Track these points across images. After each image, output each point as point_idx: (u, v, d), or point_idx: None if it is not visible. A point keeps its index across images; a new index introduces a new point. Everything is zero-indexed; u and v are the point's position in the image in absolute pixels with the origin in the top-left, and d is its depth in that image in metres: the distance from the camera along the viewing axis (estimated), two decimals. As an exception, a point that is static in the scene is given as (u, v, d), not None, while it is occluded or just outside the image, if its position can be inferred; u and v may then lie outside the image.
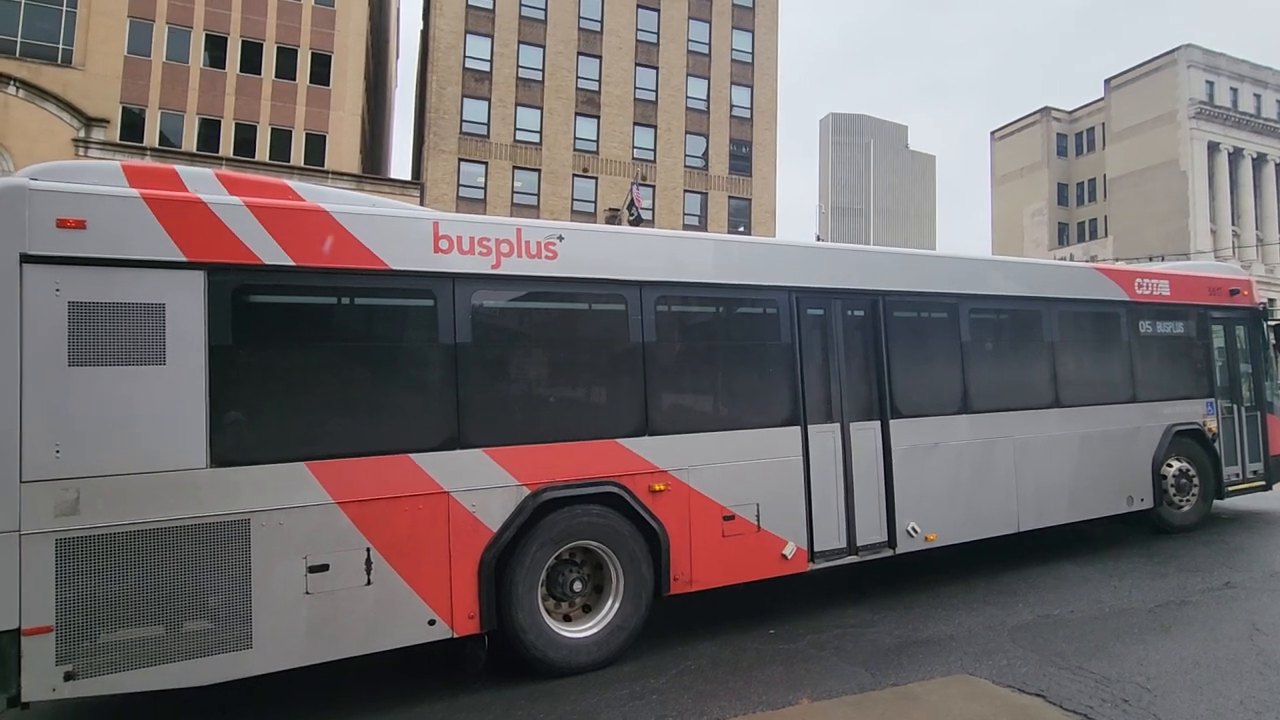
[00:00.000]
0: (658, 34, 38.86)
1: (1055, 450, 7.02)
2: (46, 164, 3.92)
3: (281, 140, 30.94)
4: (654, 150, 38.75)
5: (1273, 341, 9.03)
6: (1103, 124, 61.05)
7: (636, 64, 38.36)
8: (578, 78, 36.95)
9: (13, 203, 3.64)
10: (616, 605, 4.90)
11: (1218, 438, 8.38)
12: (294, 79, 31.36)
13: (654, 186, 38.39)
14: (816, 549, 5.66)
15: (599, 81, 37.38)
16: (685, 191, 39.28)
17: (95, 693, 3.58)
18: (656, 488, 5.04)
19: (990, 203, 71.07)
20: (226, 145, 30.15)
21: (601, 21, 37.71)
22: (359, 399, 4.36)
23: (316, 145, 31.29)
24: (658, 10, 38.97)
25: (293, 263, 4.18)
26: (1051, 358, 7.19)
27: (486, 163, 34.91)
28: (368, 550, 4.20)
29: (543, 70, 36.31)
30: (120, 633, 3.63)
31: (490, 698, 4.37)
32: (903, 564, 6.89)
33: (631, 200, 33.80)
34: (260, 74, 31.00)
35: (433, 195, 33.01)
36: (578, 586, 4.85)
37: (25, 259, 3.61)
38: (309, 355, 4.27)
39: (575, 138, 36.71)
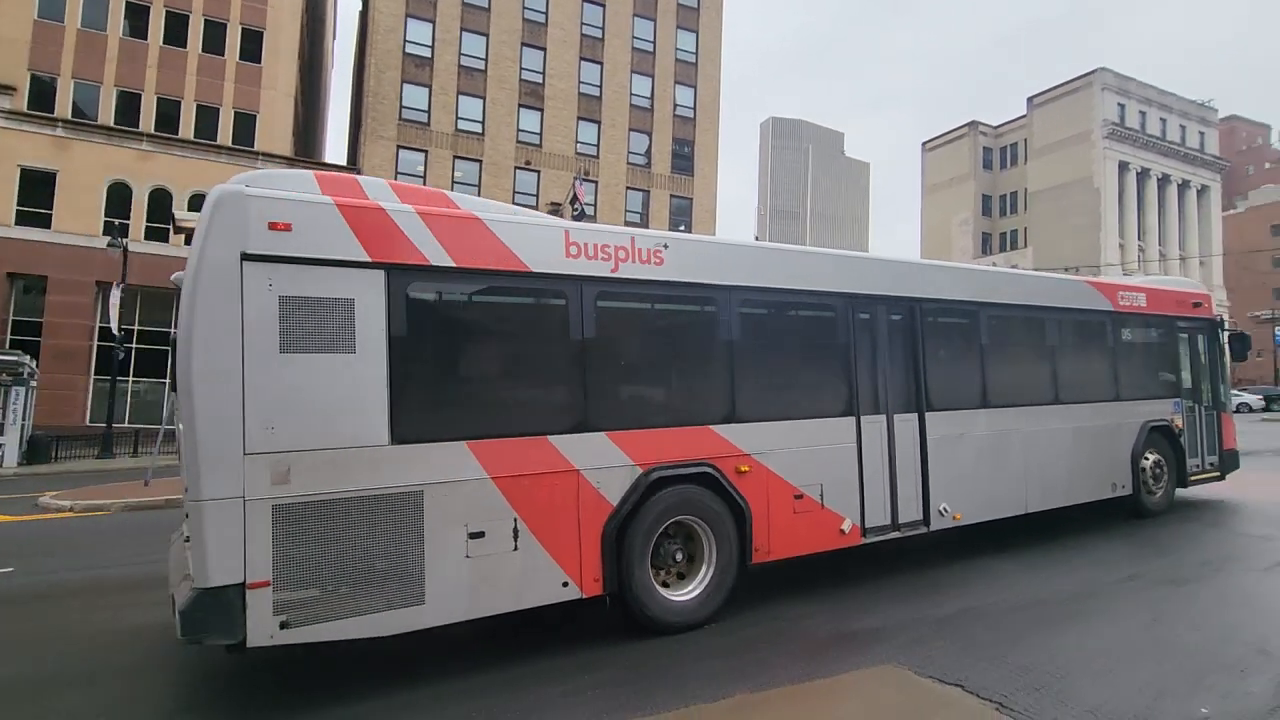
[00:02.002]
0: (603, 29, 38.64)
1: (1055, 442, 7.89)
2: (254, 173, 4.37)
3: (208, 117, 29.42)
4: (597, 146, 38.56)
5: (1227, 349, 10.18)
6: (1025, 140, 63.68)
7: (581, 58, 38.06)
8: (521, 69, 36.41)
9: (235, 208, 4.11)
10: (710, 573, 5.48)
11: (1183, 433, 9.46)
12: (222, 54, 29.85)
13: (597, 182, 38.22)
14: (867, 525, 6.34)
15: (543, 74, 36.93)
16: (628, 188, 39.25)
17: (302, 640, 4.03)
18: (742, 469, 5.68)
19: (920, 211, 73.45)
20: (147, 119, 28.49)
21: (546, 13, 37.25)
22: (507, 386, 4.94)
23: (246, 124, 29.88)
24: (603, 5, 38.72)
25: (454, 264, 4.72)
26: (1052, 360, 8.09)
27: (427, 151, 34.06)
28: (515, 520, 4.72)
29: (486, 59, 35.62)
30: (323, 588, 4.09)
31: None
32: (841, 559, 7.04)
33: (574, 195, 33.54)
34: (185, 47, 29.39)
35: (369, 182, 32.01)
36: (679, 556, 5.45)
37: (245, 257, 4.07)
38: (466, 347, 4.82)
39: (518, 129, 36.18)
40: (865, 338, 6.61)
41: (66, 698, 4.36)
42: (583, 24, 38.15)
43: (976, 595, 5.95)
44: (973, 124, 68.50)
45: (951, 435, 6.98)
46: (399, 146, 33.37)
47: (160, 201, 26.45)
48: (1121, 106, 58.36)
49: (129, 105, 28.51)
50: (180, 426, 3.95)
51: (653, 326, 5.63)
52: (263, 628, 3.95)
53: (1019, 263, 60.06)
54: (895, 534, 6.49)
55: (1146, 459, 9.01)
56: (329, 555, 4.13)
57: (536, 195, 36.79)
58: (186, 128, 28.93)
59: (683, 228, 40.76)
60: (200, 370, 3.92)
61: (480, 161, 35.37)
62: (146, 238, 25.85)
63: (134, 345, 25.32)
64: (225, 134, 29.43)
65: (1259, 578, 6.30)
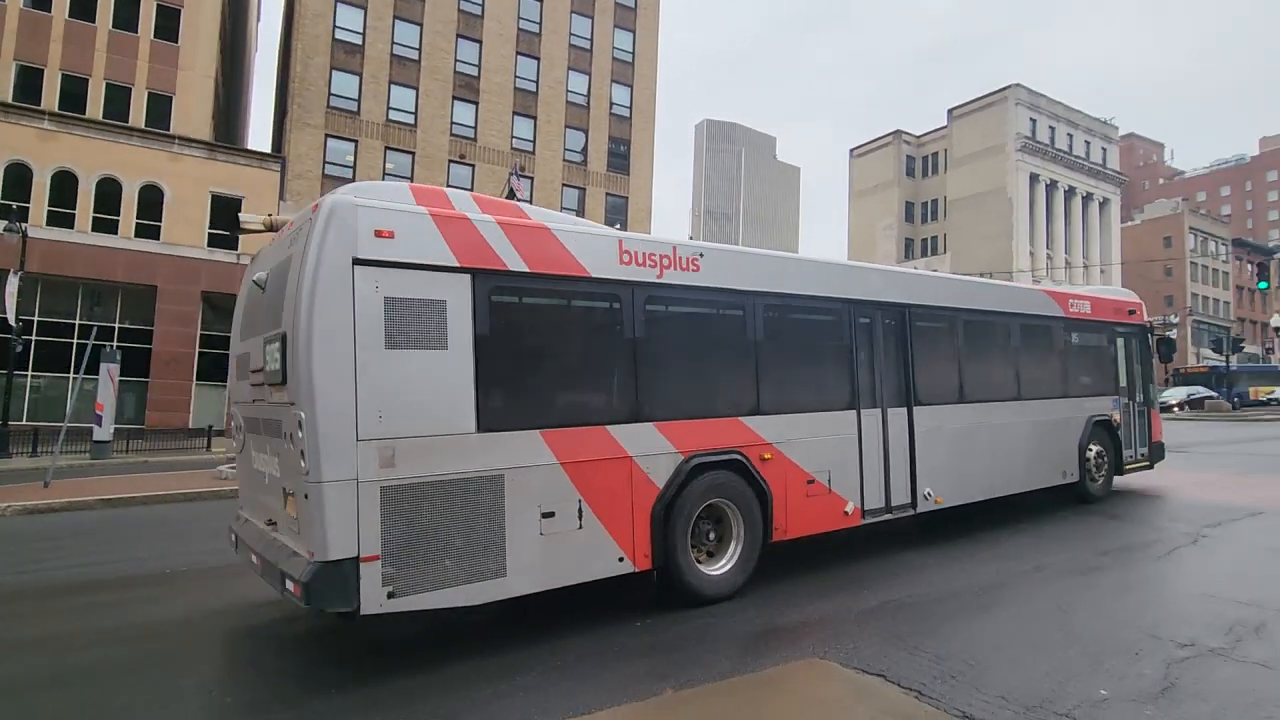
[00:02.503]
0: (540, 24, 38.27)
1: (1017, 434, 8.97)
2: (357, 184, 4.90)
3: (118, 97, 27.69)
4: (533, 141, 38.18)
5: (1155, 352, 11.70)
6: (945, 150, 66.21)
7: (518, 53, 37.59)
8: (456, 60, 35.68)
9: (348, 216, 4.58)
10: (739, 550, 6.17)
11: (1121, 427, 10.72)
12: (136, 31, 28.15)
13: (532, 178, 37.83)
14: (866, 507, 7.14)
15: (479, 67, 36.29)
16: (564, 185, 39.00)
17: (406, 609, 4.46)
18: (765, 456, 6.40)
19: (848, 215, 75.56)
20: (51, 97, 26.63)
21: (482, 5, 36.63)
22: (573, 381, 5.55)
23: (161, 106, 28.26)
24: (540, 1, 38.36)
25: (528, 269, 5.26)
26: (1016, 361, 9.19)
27: (357, 140, 32.99)
28: (579, 501, 5.28)
29: (419, 49, 34.76)
30: (423, 562, 4.56)
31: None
32: (771, 555, 7.29)
33: (511, 190, 33.09)
34: (94, 21, 27.58)
35: (296, 170, 30.80)
36: (712, 536, 6.14)
37: (356, 261, 4.54)
38: (538, 344, 5.36)
39: (452, 122, 35.45)
40: (865, 339, 7.46)
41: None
42: (520, 18, 37.69)
43: (898, 588, 6.16)
44: (897, 133, 70.91)
45: (934, 427, 7.88)
46: (327, 135, 32.22)
47: (65, 185, 24.74)
48: (1033, 121, 61.53)
49: (30, 81, 26.58)
50: (304, 415, 4.39)
51: (691, 328, 6.28)
52: (373, 597, 4.42)
53: (939, 267, 62.33)
54: (888, 515, 7.35)
55: (1091, 450, 10.17)
56: (428, 532, 4.62)
57: (470, 189, 36.16)
58: (95, 107, 27.19)
59: (619, 225, 40.76)
60: (320, 364, 4.38)
61: (413, 154, 34.52)
62: (49, 223, 24.24)
63: (34, 337, 23.73)
64: (138, 115, 27.79)
65: (1154, 566, 6.74)
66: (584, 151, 39.81)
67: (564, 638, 5.15)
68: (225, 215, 26.42)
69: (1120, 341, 11.00)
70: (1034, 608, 5.59)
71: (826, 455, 6.86)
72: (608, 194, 40.26)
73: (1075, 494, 10.06)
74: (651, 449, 5.72)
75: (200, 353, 25.77)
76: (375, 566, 4.42)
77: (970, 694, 4.09)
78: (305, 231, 4.69)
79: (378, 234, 4.68)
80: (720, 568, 6.08)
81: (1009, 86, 61.01)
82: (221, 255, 26.16)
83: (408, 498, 4.56)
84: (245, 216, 6.14)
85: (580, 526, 5.28)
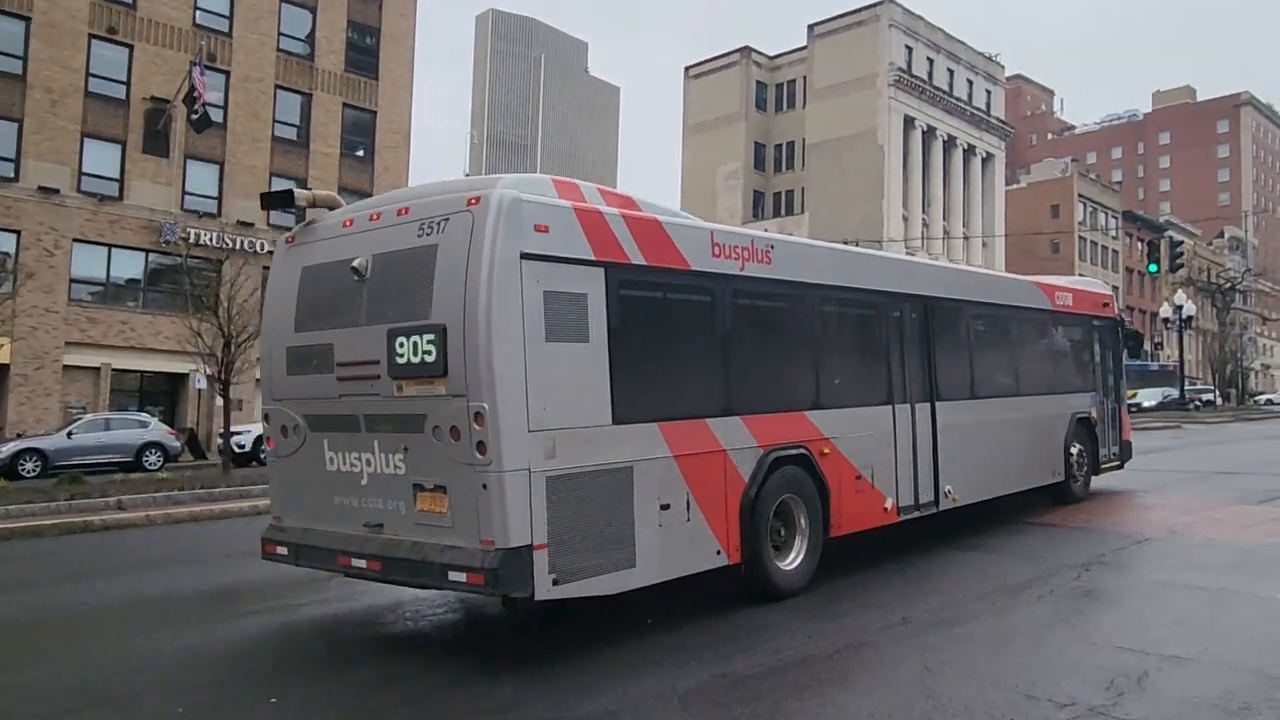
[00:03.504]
0: None
1: (1016, 431, 11.57)
2: (509, 176, 6.53)
3: None
4: (230, 18, 35.49)
5: (1125, 346, 14.70)
6: (805, 77, 70.55)
7: (206, -118, 34.78)
8: (104, -117, 32.29)
9: (515, 212, 6.08)
10: (805, 545, 8.20)
11: (1098, 424, 13.55)
12: None
13: (229, 73, 35.18)
14: (900, 504, 9.43)
15: (141, -104, 33.10)
16: (278, 88, 36.70)
17: (565, 595, 6.13)
18: (824, 451, 8.45)
19: (681, 155, 78.06)
20: None
21: None
22: (680, 373, 7.45)
23: None
24: None
25: (645, 263, 6.99)
26: (1013, 355, 11.97)
27: (-73, -9, 28.81)
28: (688, 494, 7.09)
29: None
30: (578, 550, 6.20)
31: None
32: (565, 625, 7.30)
33: (193, 89, 30.58)
34: None
35: None
36: (783, 532, 8.10)
37: (523, 256, 6.05)
38: (653, 337, 7.19)
39: (96, -23, 32.08)
40: (898, 333, 9.80)
41: None
42: None
43: (732, 656, 6.40)
44: (745, 51, 74.60)
45: (952, 423, 10.23)
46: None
47: None
48: (909, 49, 67.39)
49: None
50: (485, 407, 5.83)
51: (765, 322, 8.41)
52: (543, 583, 5.96)
53: (794, 230, 64.81)
54: (916, 513, 9.65)
55: (1073, 448, 12.92)
56: (580, 521, 6.24)
57: (128, 84, 32.95)
58: None
59: (361, 154, 39.26)
60: (499, 357, 5.85)
61: (28, 20, 30.76)
62: None
63: None
64: None
65: (1031, 612, 7.55)
66: (310, 39, 37.71)
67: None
68: None
69: (1095, 335, 13.89)
70: (898, 671, 6.08)
71: (871, 451, 9.05)
72: (346, 106, 38.52)
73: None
74: (739, 443, 7.60)
75: None
76: (544, 554, 5.98)
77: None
78: (461, 224, 6.12)
79: (537, 229, 6.19)
80: (790, 562, 8.08)
81: (882, 2, 65.99)
82: None
83: (566, 487, 6.18)
84: (302, 192, 7.46)
85: (689, 519, 7.09)
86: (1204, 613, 7.52)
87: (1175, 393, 51.39)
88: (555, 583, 6.02)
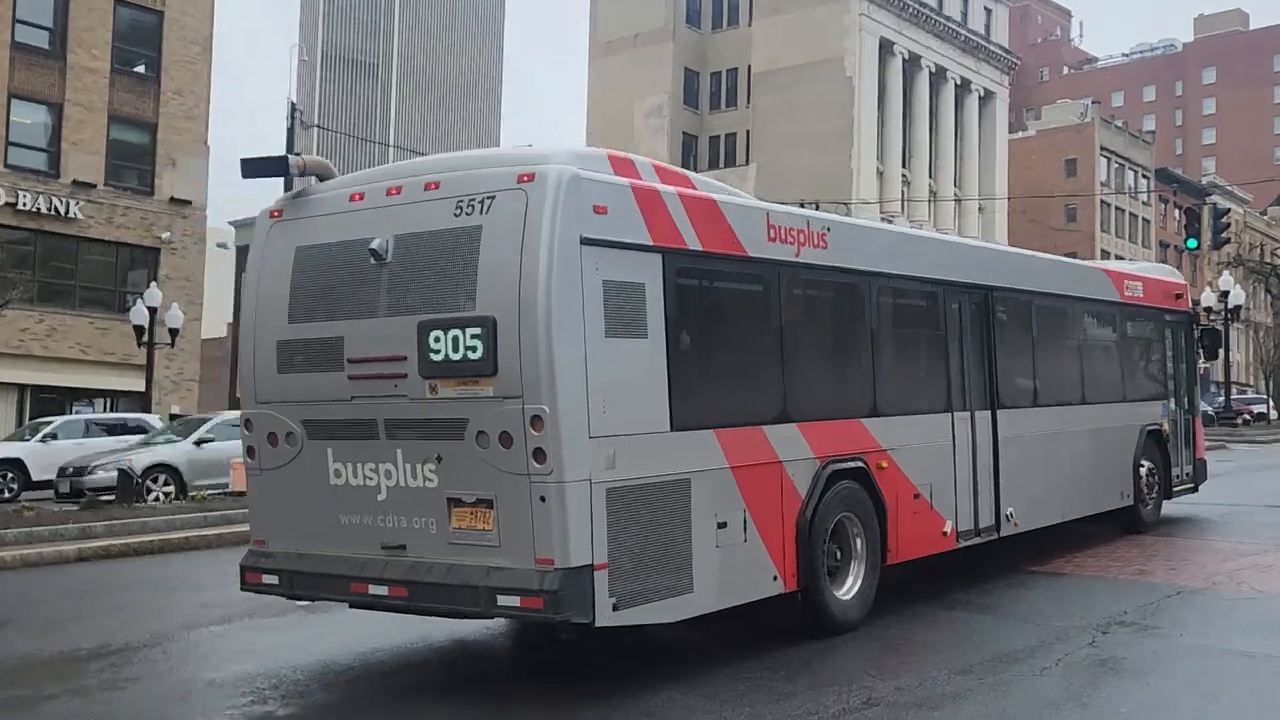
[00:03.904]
0: None
1: (1084, 444, 12.76)
2: (559, 148, 7.67)
3: None
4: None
5: (1199, 346, 16.09)
6: (751, -17, 69.99)
7: None
8: None
9: (574, 191, 6.90)
10: (862, 570, 9.08)
11: (1170, 439, 14.83)
12: None
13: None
14: (960, 528, 10.49)
15: None
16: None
17: (623, 623, 7.04)
18: (882, 465, 9.35)
19: (587, 86, 77.26)
20: None
21: None
22: (734, 373, 8.49)
23: None
24: None
25: (701, 248, 7.88)
26: (1080, 355, 13.13)
27: None
28: (744, 511, 7.95)
29: None
30: (637, 573, 7.08)
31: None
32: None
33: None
34: None
35: None
36: (838, 556, 8.90)
37: (583, 240, 6.89)
38: (708, 332, 8.28)
39: None
40: (957, 328, 10.78)
41: None
42: None
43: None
44: (673, -55, 73.61)
45: (1015, 434, 11.31)
46: None
47: None
48: (887, -49, 67.55)
49: None
50: (545, 410, 6.48)
51: (821, 314, 9.63)
52: (604, 608, 6.63)
53: (741, 188, 66.20)
54: (975, 539, 10.69)
55: (1143, 466, 14.20)
56: (639, 539, 7.01)
57: None
58: None
59: (142, 70, 38.09)
60: (560, 353, 6.52)
61: None
62: None
63: None
64: None
65: (1032, 689, 7.51)
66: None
67: None
68: None
69: (1168, 333, 15.40)
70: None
71: (929, 465, 10.07)
72: (120, 2, 37.17)
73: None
74: (796, 453, 8.46)
75: None
76: (605, 575, 6.66)
77: None
78: (512, 204, 6.75)
79: (596, 210, 6.90)
80: (847, 591, 8.93)
81: (853, -113, 65.68)
82: None
83: (626, 501, 6.93)
84: (299, 158, 8.23)
85: (745, 539, 7.92)
86: (1249, 687, 7.64)
87: (1218, 402, 51.90)
88: (615, 608, 6.72)
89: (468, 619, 8.63)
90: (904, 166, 70.41)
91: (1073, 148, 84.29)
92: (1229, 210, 52.83)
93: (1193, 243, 37.53)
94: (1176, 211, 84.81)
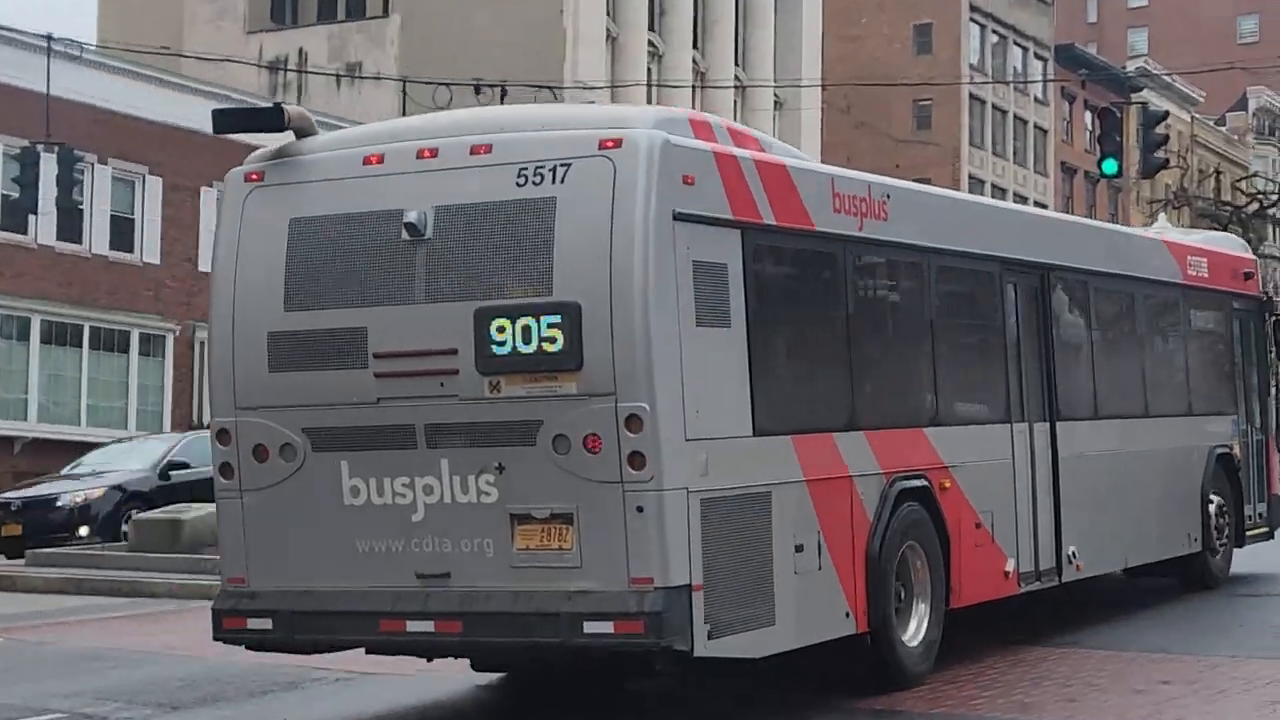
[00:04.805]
0: None
1: (1149, 468, 12.36)
2: (641, 110, 7.66)
3: None
4: None
5: (1273, 342, 15.60)
6: None
7: None
8: None
9: (670, 160, 6.43)
10: (928, 611, 8.81)
11: (1242, 466, 14.23)
12: None
13: None
14: (1021, 569, 10.26)
15: None
16: None
17: (717, 654, 6.70)
18: (945, 485, 9.05)
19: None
20: None
21: None
22: (806, 369, 8.44)
23: None
24: None
25: (775, 223, 7.58)
26: (1143, 354, 12.99)
27: None
28: (819, 533, 7.66)
29: None
30: (729, 597, 6.73)
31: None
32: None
33: None
34: None
35: None
36: (902, 595, 8.61)
37: (676, 216, 6.45)
38: (780, 321, 8.06)
39: None
40: (1018, 319, 10.51)
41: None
42: None
43: None
44: None
45: (1077, 453, 10.93)
46: None
47: None
48: None
49: None
50: (645, 409, 6.21)
51: (884, 300, 9.50)
52: (700, 636, 6.40)
53: (380, 64, 51.70)
54: (1036, 583, 10.33)
55: (1212, 501, 13.35)
56: (729, 558, 6.84)
57: None
58: None
59: None
60: (658, 345, 6.30)
61: None
62: None
63: None
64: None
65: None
66: None
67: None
68: None
69: (1236, 325, 14.60)
70: None
71: (990, 489, 9.63)
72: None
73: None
74: (864, 467, 8.10)
75: None
76: (701, 598, 6.42)
77: None
78: (594, 173, 6.36)
79: (685, 180, 6.60)
80: (913, 636, 8.57)
81: None
82: None
83: (718, 514, 6.69)
84: (292, 109, 7.54)
85: (820, 568, 7.57)
86: None
87: None
88: (710, 635, 6.37)
89: (538, 656, 7.62)
90: (652, 30, 56.48)
91: (927, 8, 68.78)
92: (1167, 114, 41.68)
93: (1111, 165, 27.78)
94: (1088, 115, 72.66)
